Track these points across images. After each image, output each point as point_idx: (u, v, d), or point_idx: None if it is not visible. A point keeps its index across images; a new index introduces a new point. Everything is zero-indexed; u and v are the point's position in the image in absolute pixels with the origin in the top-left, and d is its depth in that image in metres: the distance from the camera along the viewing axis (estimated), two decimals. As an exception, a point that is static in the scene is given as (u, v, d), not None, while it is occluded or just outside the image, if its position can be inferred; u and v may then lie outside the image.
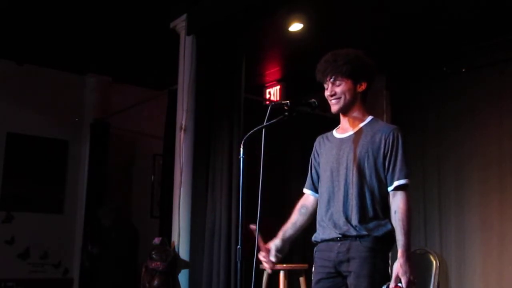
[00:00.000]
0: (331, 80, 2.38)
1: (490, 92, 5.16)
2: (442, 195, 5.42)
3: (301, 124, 5.09)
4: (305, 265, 4.49)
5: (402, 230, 2.21)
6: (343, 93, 2.37)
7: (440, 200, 5.43)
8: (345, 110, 2.41)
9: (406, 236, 2.20)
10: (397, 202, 2.26)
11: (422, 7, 4.64)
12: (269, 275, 4.55)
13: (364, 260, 2.23)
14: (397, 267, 2.18)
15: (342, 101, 2.38)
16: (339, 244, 2.30)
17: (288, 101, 2.34)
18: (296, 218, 2.54)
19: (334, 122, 2.54)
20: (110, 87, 6.87)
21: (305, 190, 2.60)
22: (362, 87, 2.39)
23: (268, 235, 2.47)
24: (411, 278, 2.16)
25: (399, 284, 2.14)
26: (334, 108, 2.41)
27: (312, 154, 2.59)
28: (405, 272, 2.16)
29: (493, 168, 5.05)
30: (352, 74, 2.36)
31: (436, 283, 4.78)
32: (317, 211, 2.45)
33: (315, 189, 2.54)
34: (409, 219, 2.23)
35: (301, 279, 4.56)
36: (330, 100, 2.40)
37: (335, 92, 2.38)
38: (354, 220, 2.27)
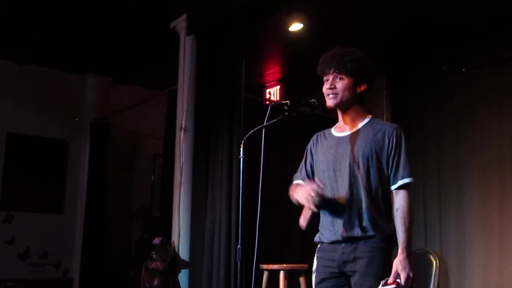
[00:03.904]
0: (334, 73, 2.36)
1: (490, 92, 5.17)
2: (442, 195, 5.42)
3: (301, 124, 5.08)
4: (305, 265, 4.49)
5: (403, 227, 2.21)
6: (343, 90, 2.35)
7: (440, 200, 5.43)
8: (342, 107, 2.39)
9: (407, 233, 2.21)
10: (399, 200, 2.26)
11: (422, 7, 4.64)
12: (269, 275, 4.55)
13: (371, 260, 2.23)
14: (397, 263, 2.18)
15: (339, 97, 2.36)
16: (343, 245, 2.29)
17: (288, 101, 2.34)
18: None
19: (334, 122, 2.52)
20: (110, 87, 6.88)
21: (299, 181, 2.52)
22: (362, 88, 2.38)
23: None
24: (410, 274, 2.16)
25: (398, 280, 2.14)
26: (330, 102, 2.38)
27: (308, 150, 2.56)
28: (404, 268, 2.16)
29: (493, 168, 5.06)
30: (355, 73, 2.35)
31: (436, 283, 4.77)
32: (320, 211, 2.42)
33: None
34: (411, 217, 2.24)
35: (301, 279, 4.56)
36: (328, 94, 2.37)
37: (335, 86, 2.36)
38: (361, 221, 2.27)
